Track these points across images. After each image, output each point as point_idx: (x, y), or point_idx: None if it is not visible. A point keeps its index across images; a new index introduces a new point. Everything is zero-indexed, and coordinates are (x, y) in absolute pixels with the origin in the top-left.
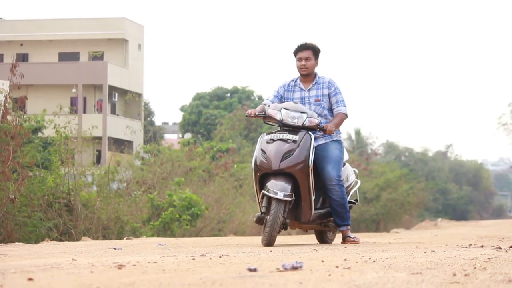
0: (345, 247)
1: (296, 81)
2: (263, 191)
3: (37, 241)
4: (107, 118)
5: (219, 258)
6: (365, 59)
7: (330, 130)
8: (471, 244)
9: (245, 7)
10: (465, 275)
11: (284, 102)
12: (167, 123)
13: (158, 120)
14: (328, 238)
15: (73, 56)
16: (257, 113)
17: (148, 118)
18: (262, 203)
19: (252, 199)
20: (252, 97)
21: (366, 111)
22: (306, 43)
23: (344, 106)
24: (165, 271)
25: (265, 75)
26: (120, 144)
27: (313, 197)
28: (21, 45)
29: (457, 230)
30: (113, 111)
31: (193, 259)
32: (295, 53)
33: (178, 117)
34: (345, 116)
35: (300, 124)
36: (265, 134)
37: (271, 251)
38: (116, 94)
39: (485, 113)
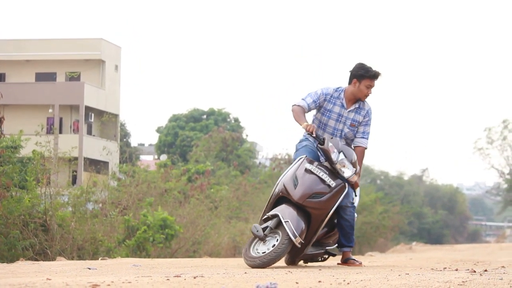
0: (320, 270)
1: (340, 94)
2: (278, 214)
3: (11, 260)
4: (83, 138)
5: (194, 279)
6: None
7: (357, 184)
8: (445, 268)
9: (221, 30)
10: None
11: (319, 109)
12: (143, 145)
13: (134, 141)
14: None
15: (50, 77)
16: (317, 136)
17: (124, 139)
18: (267, 220)
19: (227, 221)
20: (228, 119)
21: None
22: (380, 74)
23: (367, 138)
24: None
25: (241, 97)
26: (96, 165)
27: (314, 240)
28: None
29: (432, 254)
30: (89, 132)
31: (168, 279)
32: (363, 76)
33: (154, 138)
34: (365, 149)
35: (344, 176)
36: (306, 159)
37: (245, 273)
38: (93, 114)
39: (461, 138)
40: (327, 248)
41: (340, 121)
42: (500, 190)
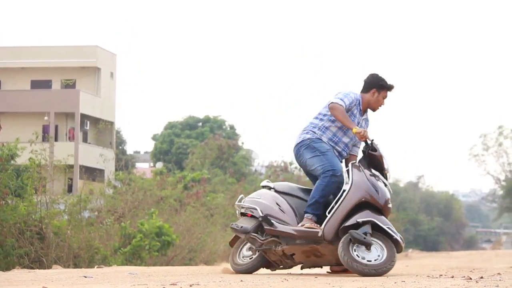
0: (316, 277)
1: (359, 101)
2: (375, 220)
3: (7, 268)
4: (79, 146)
5: (190, 287)
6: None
7: None
8: (441, 275)
9: (216, 37)
10: None
11: (347, 112)
12: (138, 152)
13: (129, 149)
14: None
15: (46, 84)
16: (373, 143)
17: (120, 147)
18: (359, 226)
19: (223, 229)
20: (224, 126)
21: None
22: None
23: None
24: None
25: (236, 104)
26: (92, 173)
27: None
28: None
29: (428, 261)
30: (84, 140)
31: (164, 287)
32: (383, 88)
33: (149, 146)
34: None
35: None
36: (360, 165)
37: (241, 280)
38: (88, 122)
39: (457, 144)
40: None
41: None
42: (496, 196)
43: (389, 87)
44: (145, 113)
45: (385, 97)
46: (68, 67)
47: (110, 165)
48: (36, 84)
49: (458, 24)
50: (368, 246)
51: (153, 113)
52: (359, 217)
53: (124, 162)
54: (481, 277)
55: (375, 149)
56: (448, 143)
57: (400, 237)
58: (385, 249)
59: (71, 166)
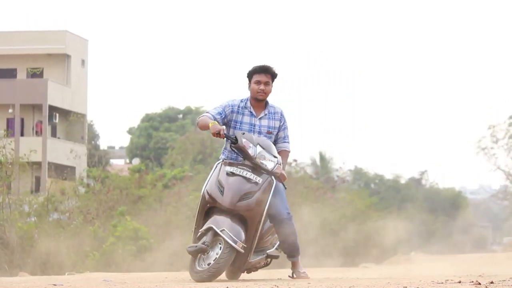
0: (309, 283)
1: (246, 103)
2: (212, 226)
3: None
4: (47, 141)
5: None
6: (329, 76)
7: (284, 177)
8: (447, 280)
9: (197, 23)
10: None
11: (228, 123)
12: (113, 147)
13: (103, 144)
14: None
15: (10, 73)
16: (226, 135)
17: (93, 142)
18: (203, 235)
19: None
20: None
21: (331, 133)
22: (267, 66)
23: (288, 142)
24: None
25: (220, 95)
26: (62, 170)
27: (255, 243)
28: None
29: (432, 265)
30: (53, 134)
31: None
32: (252, 74)
33: (125, 140)
34: (289, 152)
35: (268, 169)
36: (223, 162)
37: (227, 287)
38: (57, 115)
39: (463, 136)
40: (267, 252)
41: (254, 130)
42: (507, 193)
43: (256, 70)
44: (120, 104)
45: (257, 81)
46: (34, 54)
47: (82, 161)
48: (0, 73)
49: (464, 8)
50: (205, 251)
51: (129, 105)
52: (204, 226)
53: (98, 158)
54: (491, 282)
55: (235, 141)
56: (454, 135)
57: (234, 241)
58: (220, 250)
59: (38, 163)
